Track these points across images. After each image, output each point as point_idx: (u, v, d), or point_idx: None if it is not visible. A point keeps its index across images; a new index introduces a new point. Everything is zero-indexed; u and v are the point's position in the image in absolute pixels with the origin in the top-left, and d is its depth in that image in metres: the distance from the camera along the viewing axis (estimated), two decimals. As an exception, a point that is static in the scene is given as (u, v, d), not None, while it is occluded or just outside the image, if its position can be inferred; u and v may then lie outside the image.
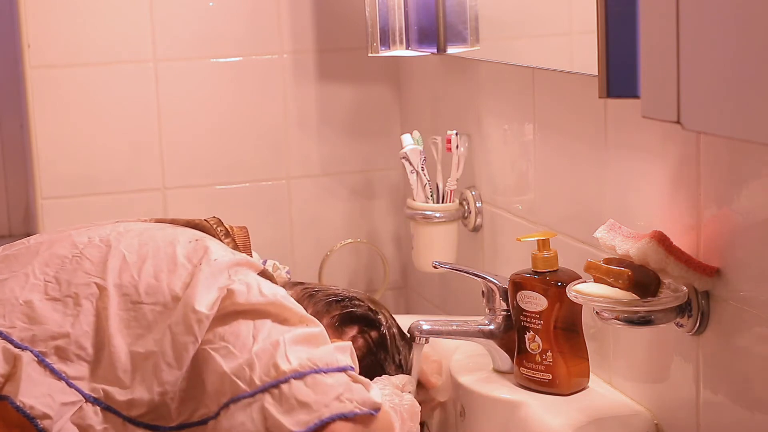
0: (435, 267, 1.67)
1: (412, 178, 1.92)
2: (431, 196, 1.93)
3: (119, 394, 1.32)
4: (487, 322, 1.59)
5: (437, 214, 1.91)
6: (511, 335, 1.56)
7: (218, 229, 1.53)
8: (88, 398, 1.31)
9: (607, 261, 1.31)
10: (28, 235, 2.36)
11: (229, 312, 1.35)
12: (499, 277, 1.59)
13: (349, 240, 2.23)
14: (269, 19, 2.18)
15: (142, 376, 1.33)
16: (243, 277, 1.38)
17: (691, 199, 1.28)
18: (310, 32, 2.21)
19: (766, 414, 1.19)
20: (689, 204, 1.29)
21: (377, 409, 1.33)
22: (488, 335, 1.58)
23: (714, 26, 0.94)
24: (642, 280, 1.26)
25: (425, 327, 1.57)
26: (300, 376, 1.30)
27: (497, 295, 1.58)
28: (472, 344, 1.63)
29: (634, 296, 1.26)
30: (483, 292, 1.60)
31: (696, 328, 1.28)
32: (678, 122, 0.99)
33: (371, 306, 1.60)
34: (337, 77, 2.24)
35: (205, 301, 1.34)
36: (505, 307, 1.56)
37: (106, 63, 2.11)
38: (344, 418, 1.30)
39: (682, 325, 1.29)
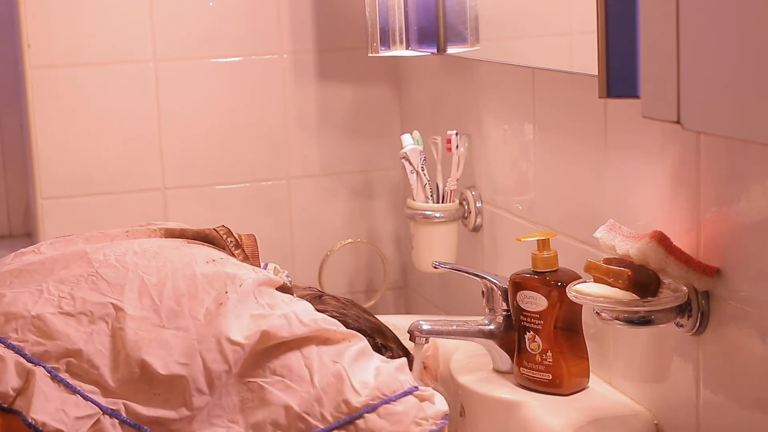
0: (435, 267, 1.67)
1: (412, 178, 1.92)
2: (431, 196, 1.93)
3: (141, 409, 1.30)
4: (487, 322, 1.59)
5: (437, 214, 1.91)
6: (511, 335, 1.56)
7: (228, 239, 1.53)
8: (105, 411, 1.30)
9: (607, 261, 1.31)
10: (29, 235, 2.38)
11: (273, 345, 1.35)
12: (499, 277, 1.59)
13: (349, 240, 2.23)
14: (269, 19, 2.18)
15: (166, 397, 1.31)
16: (270, 300, 1.39)
17: (691, 199, 1.28)
18: (310, 32, 2.21)
19: (766, 414, 1.19)
20: (689, 204, 1.29)
21: (447, 415, 1.37)
22: (488, 335, 1.58)
23: (714, 26, 0.94)
24: (642, 280, 1.26)
25: (425, 327, 1.56)
26: (372, 409, 1.32)
27: (497, 295, 1.58)
28: (472, 344, 1.63)
29: (634, 296, 1.26)
30: (483, 292, 1.60)
31: (696, 328, 1.28)
32: (678, 122, 0.99)
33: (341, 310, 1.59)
34: (337, 77, 2.24)
35: (238, 330, 1.33)
36: (505, 307, 1.56)
37: (106, 63, 2.11)
38: None
39: (682, 325, 1.29)
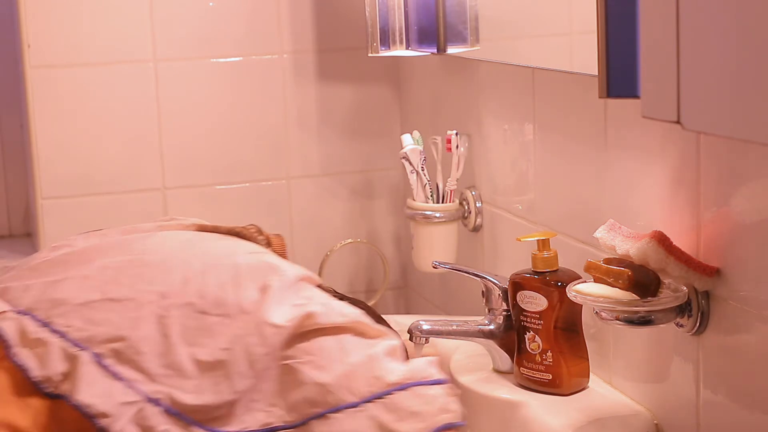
0: (435, 267, 1.67)
1: (412, 178, 1.92)
2: (431, 196, 1.93)
3: (184, 397, 1.31)
4: (487, 322, 1.59)
5: (437, 214, 1.91)
6: (511, 335, 1.56)
7: (259, 237, 1.54)
8: (149, 399, 1.30)
9: (607, 261, 1.31)
10: (29, 235, 2.38)
11: (310, 330, 1.36)
12: (499, 277, 1.59)
13: (349, 240, 2.23)
14: (269, 19, 2.18)
15: (210, 382, 1.32)
16: (309, 294, 1.40)
17: (691, 199, 1.28)
18: (310, 32, 2.21)
19: (766, 414, 1.19)
20: (689, 204, 1.29)
21: (465, 419, 1.39)
22: (488, 335, 1.58)
23: (714, 26, 0.94)
24: (642, 280, 1.26)
25: (425, 327, 1.57)
26: (404, 388, 1.34)
27: (497, 295, 1.58)
28: (472, 344, 1.63)
29: (634, 296, 1.26)
30: (483, 292, 1.60)
31: (696, 328, 1.28)
32: (678, 122, 0.99)
33: None
34: (337, 77, 2.24)
35: (280, 315, 1.35)
36: (505, 307, 1.56)
37: (106, 63, 2.11)
38: (452, 428, 1.34)
39: (682, 325, 1.29)
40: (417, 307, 2.27)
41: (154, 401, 1.30)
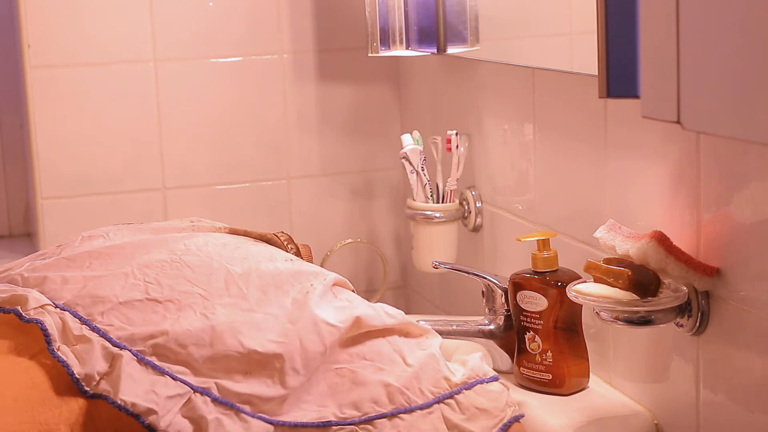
0: (435, 267, 1.67)
1: (412, 178, 1.92)
2: (431, 196, 1.93)
3: (233, 386, 1.29)
4: (487, 322, 1.59)
5: (437, 214, 1.91)
6: (511, 335, 1.56)
7: (289, 246, 1.55)
8: (196, 389, 1.28)
9: (607, 261, 1.31)
10: (29, 235, 2.38)
11: (360, 334, 1.36)
12: (499, 277, 1.59)
13: (349, 240, 2.23)
14: (269, 19, 2.18)
15: (260, 375, 1.30)
16: (349, 297, 1.41)
17: (691, 199, 1.28)
18: (310, 32, 2.21)
19: (766, 414, 1.19)
20: (689, 204, 1.29)
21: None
22: (488, 335, 1.58)
23: (714, 26, 0.94)
24: (642, 280, 1.26)
25: (425, 327, 1.56)
26: (469, 386, 1.36)
27: (497, 295, 1.58)
28: (472, 344, 1.63)
29: (634, 296, 1.26)
30: (483, 292, 1.60)
31: (696, 328, 1.28)
32: (678, 122, 0.99)
33: None
34: (337, 77, 2.24)
35: (331, 315, 1.35)
36: (506, 307, 1.56)
37: (106, 63, 2.12)
38: (517, 420, 1.37)
39: (682, 325, 1.29)
40: (417, 307, 2.27)
41: (202, 391, 1.28)
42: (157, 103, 2.15)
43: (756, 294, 1.19)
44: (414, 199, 1.93)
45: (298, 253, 1.55)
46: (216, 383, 1.29)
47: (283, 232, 1.57)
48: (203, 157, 2.18)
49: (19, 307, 1.34)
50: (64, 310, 1.34)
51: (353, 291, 1.45)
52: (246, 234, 1.55)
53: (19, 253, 2.18)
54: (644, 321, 1.27)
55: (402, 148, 1.93)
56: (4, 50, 2.33)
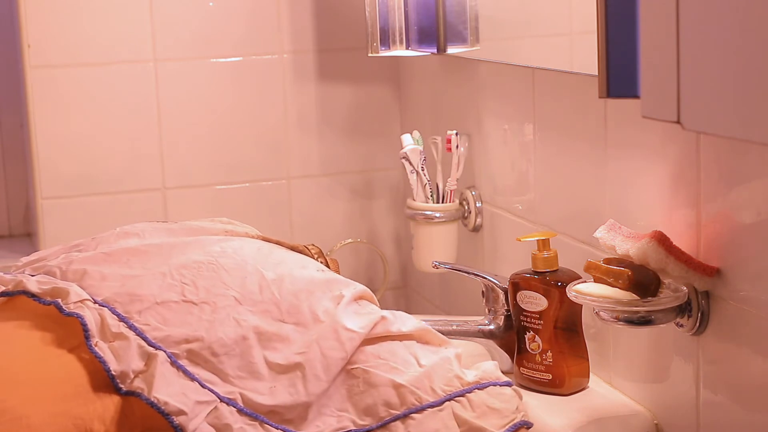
0: (435, 267, 1.67)
1: (412, 178, 1.92)
2: (431, 196, 1.93)
3: (258, 398, 1.31)
4: (487, 322, 1.59)
5: (437, 214, 1.91)
6: (511, 335, 1.56)
7: (318, 259, 1.57)
8: (222, 399, 1.30)
9: (607, 261, 1.31)
10: (29, 235, 2.38)
11: (379, 336, 1.38)
12: (499, 277, 1.59)
13: (349, 240, 2.23)
14: (269, 19, 2.18)
15: (285, 384, 1.32)
16: (371, 309, 1.42)
17: (691, 199, 1.28)
18: (310, 32, 2.21)
19: (766, 414, 1.19)
20: (689, 204, 1.29)
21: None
22: (488, 335, 1.58)
23: (714, 26, 0.94)
24: (642, 280, 1.26)
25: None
26: (482, 387, 1.36)
27: (497, 295, 1.58)
28: (472, 344, 1.63)
29: (634, 296, 1.26)
30: (483, 292, 1.60)
31: (696, 328, 1.28)
32: (678, 122, 0.99)
33: None
34: (337, 77, 2.24)
35: (353, 322, 1.37)
36: (506, 307, 1.56)
37: (106, 63, 2.11)
38: (525, 426, 1.37)
39: (682, 325, 1.29)
40: (417, 307, 2.27)
41: (228, 401, 1.30)
42: (157, 103, 2.14)
43: (756, 294, 1.19)
44: (414, 199, 1.93)
45: (327, 266, 1.56)
46: (241, 393, 1.31)
47: (313, 245, 1.60)
48: (203, 157, 2.18)
49: (59, 300, 1.35)
50: (103, 306, 1.36)
51: (377, 305, 1.46)
52: (278, 244, 1.56)
53: (19, 253, 2.17)
54: (644, 321, 1.27)
55: (402, 148, 1.93)
56: (4, 50, 2.32)
